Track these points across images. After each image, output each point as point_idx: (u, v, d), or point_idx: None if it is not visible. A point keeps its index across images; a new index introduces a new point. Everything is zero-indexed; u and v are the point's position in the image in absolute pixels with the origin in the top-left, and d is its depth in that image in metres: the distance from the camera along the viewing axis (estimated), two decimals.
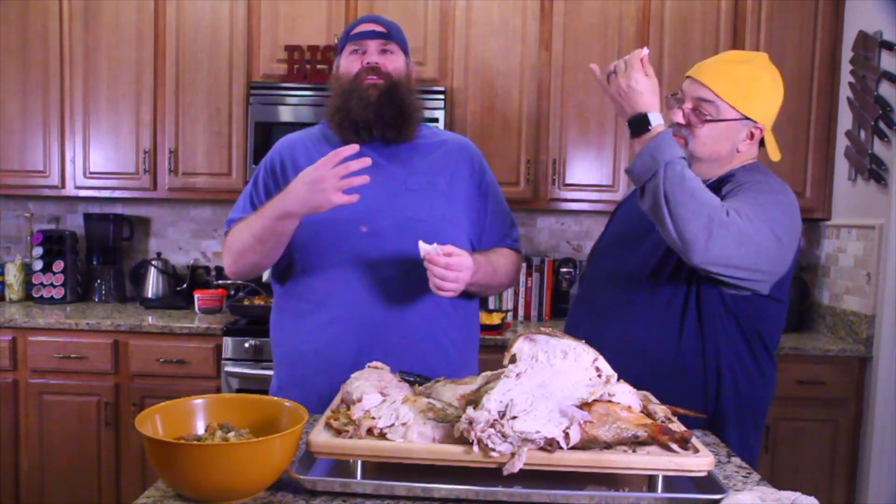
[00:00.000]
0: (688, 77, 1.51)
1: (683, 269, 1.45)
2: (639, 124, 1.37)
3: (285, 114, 2.93)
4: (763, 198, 1.39)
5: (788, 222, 1.40)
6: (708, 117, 1.46)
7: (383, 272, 1.57)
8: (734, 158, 1.52)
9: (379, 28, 1.62)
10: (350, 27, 1.66)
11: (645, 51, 1.40)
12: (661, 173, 1.31)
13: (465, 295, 1.59)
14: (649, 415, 1.11)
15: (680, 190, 1.30)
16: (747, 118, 1.47)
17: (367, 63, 1.59)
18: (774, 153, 1.55)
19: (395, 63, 1.63)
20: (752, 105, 1.47)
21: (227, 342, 2.72)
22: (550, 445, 0.99)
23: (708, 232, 1.29)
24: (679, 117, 1.49)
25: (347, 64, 1.63)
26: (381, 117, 1.58)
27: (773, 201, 1.40)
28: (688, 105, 1.49)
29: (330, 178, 1.34)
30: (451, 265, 1.43)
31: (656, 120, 1.36)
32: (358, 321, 1.58)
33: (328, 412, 1.15)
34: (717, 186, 1.49)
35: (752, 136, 1.50)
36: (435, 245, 1.43)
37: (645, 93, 1.37)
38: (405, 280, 1.56)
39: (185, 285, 3.24)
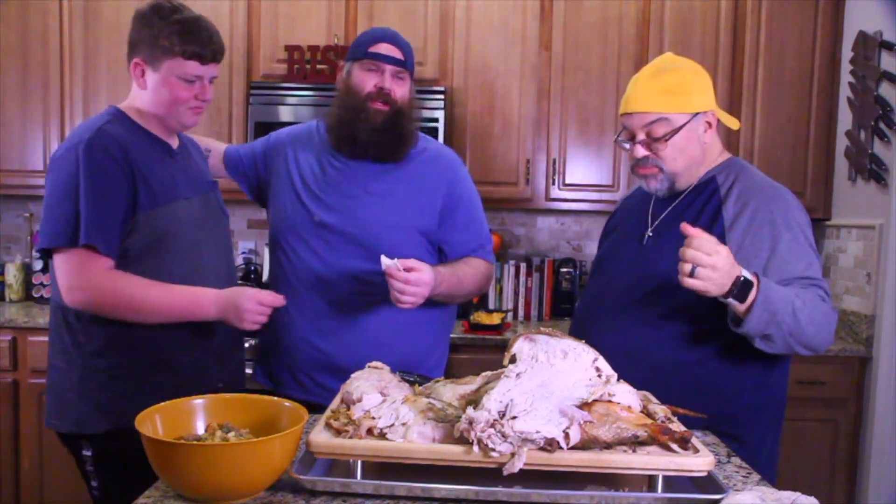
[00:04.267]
0: (623, 115, 1.54)
1: None
2: (745, 288, 1.31)
3: (285, 114, 2.93)
4: (796, 233, 1.45)
5: (812, 234, 1.49)
6: (665, 135, 1.48)
7: (332, 265, 1.70)
8: (706, 154, 1.56)
9: (398, 55, 1.72)
10: (368, 38, 1.73)
11: (691, 229, 1.32)
12: (785, 323, 1.34)
13: (430, 303, 1.64)
14: (649, 415, 1.11)
15: (803, 330, 1.35)
16: (696, 113, 1.50)
17: (380, 88, 1.70)
18: (732, 123, 1.58)
19: (403, 89, 1.73)
20: (693, 99, 1.49)
21: None
22: (550, 445, 0.99)
23: (830, 337, 1.42)
24: (640, 152, 1.52)
25: (362, 79, 1.71)
26: (382, 142, 1.70)
27: (799, 230, 1.46)
28: (641, 136, 1.51)
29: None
30: (409, 280, 1.51)
31: (748, 275, 1.32)
32: (307, 307, 1.71)
33: (328, 412, 1.15)
34: (702, 194, 1.53)
35: (709, 125, 1.53)
36: (396, 260, 1.51)
37: (731, 263, 1.30)
38: (350, 273, 1.69)
39: None
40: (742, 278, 1.30)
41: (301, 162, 1.79)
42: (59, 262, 1.51)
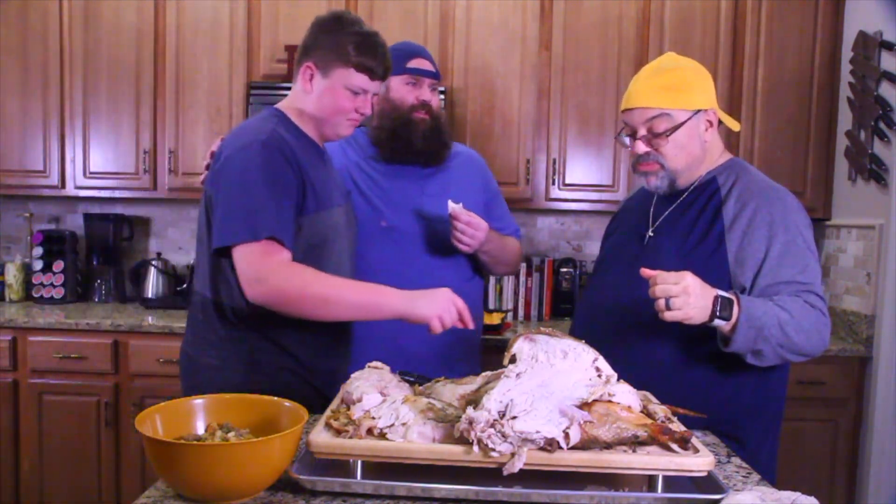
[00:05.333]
0: (624, 111, 1.54)
1: None
2: (727, 307, 1.33)
3: None
4: (792, 235, 1.45)
5: (812, 236, 1.50)
6: (666, 131, 1.49)
7: (400, 262, 1.84)
8: (707, 153, 1.56)
9: (433, 69, 1.91)
10: (402, 54, 1.85)
11: (648, 272, 1.35)
12: (773, 336, 1.35)
13: (474, 269, 1.96)
14: (649, 415, 1.11)
15: (792, 340, 1.37)
16: (697, 111, 1.50)
17: (423, 100, 1.87)
18: (733, 125, 1.59)
19: (437, 101, 1.93)
20: (694, 97, 1.50)
21: None
22: (550, 445, 0.99)
23: (824, 342, 1.44)
24: (641, 147, 1.52)
25: (404, 93, 1.88)
26: (431, 148, 1.89)
27: (797, 232, 1.45)
28: (642, 132, 1.52)
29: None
30: (471, 223, 1.77)
31: (725, 294, 1.34)
32: None
33: (328, 412, 1.15)
34: (702, 194, 1.54)
35: (710, 123, 1.54)
36: (461, 204, 1.77)
37: (701, 284, 1.32)
38: (420, 269, 1.85)
39: (185, 285, 3.24)
40: (720, 296, 1.32)
41: (349, 174, 1.89)
42: (240, 255, 1.46)
